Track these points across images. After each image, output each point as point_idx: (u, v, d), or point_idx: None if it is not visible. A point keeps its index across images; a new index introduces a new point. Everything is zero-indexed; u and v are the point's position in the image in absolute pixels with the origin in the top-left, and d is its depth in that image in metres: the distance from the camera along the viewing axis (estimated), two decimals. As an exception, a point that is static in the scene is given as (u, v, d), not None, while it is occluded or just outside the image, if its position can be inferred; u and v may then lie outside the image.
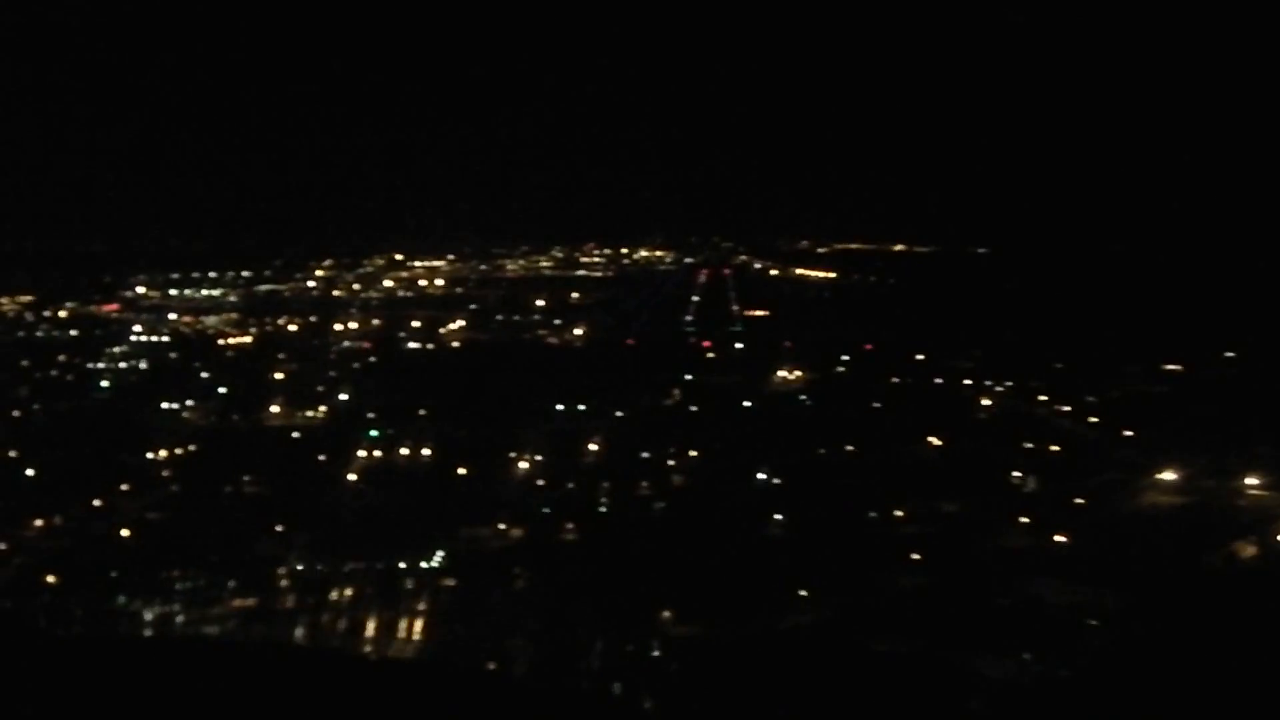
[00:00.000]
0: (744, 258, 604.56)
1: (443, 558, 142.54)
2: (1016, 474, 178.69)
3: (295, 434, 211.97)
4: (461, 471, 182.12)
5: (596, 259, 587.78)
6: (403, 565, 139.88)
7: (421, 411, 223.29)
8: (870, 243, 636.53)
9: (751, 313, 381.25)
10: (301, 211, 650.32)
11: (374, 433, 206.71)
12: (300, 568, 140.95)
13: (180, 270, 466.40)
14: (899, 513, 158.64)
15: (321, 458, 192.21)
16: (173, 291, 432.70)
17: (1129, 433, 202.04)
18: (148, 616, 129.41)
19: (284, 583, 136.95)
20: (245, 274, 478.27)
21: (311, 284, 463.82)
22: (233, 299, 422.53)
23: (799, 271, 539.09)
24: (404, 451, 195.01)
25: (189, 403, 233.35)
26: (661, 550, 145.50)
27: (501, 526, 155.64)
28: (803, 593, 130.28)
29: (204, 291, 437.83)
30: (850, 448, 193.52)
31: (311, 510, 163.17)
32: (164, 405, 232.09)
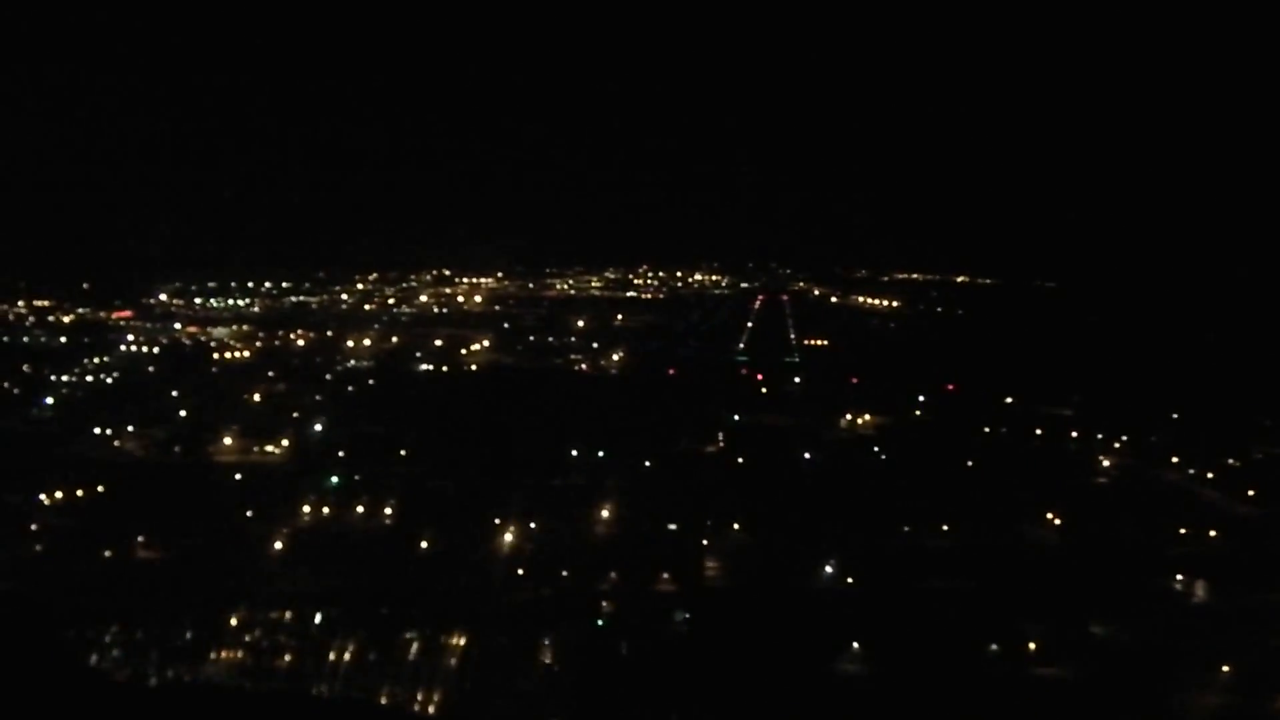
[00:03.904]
0: (802, 284, 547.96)
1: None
2: (1179, 576, 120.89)
3: (238, 475, 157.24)
4: (423, 545, 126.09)
5: (649, 281, 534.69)
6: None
7: (403, 452, 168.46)
8: (932, 273, 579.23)
9: (811, 342, 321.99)
10: (361, 224, 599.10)
11: (334, 480, 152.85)
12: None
13: (218, 278, 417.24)
14: (1032, 644, 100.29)
15: (250, 513, 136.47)
16: (198, 300, 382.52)
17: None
18: None
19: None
20: (284, 284, 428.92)
21: (346, 297, 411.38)
22: (256, 309, 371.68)
23: (860, 300, 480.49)
24: (360, 510, 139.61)
25: (131, 428, 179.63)
26: (676, 706, 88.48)
27: (444, 642, 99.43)
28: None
29: (230, 300, 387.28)
30: (946, 527, 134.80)
31: (198, 598, 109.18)
32: (100, 431, 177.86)
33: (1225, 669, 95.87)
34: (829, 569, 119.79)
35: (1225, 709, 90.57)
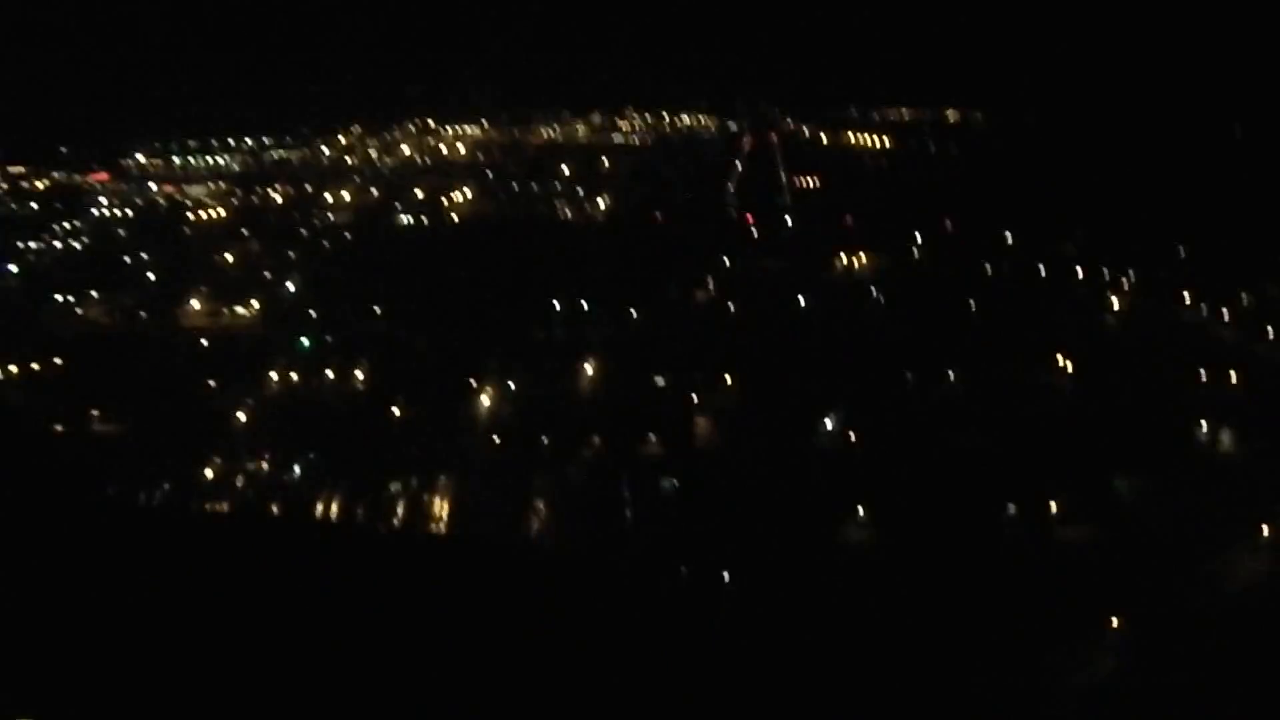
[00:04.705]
0: (791, 123, 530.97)
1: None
2: (1203, 425, 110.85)
3: (204, 341, 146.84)
4: (395, 412, 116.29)
5: (635, 124, 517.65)
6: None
7: (378, 309, 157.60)
8: (923, 109, 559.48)
9: (802, 182, 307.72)
10: (343, 76, 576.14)
11: (305, 342, 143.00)
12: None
13: (198, 136, 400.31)
14: (1052, 502, 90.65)
15: (213, 383, 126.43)
16: (176, 159, 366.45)
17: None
18: None
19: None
20: (265, 139, 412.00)
21: (327, 150, 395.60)
22: (235, 167, 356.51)
23: (852, 138, 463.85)
24: (330, 375, 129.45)
25: (95, 294, 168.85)
26: (663, 576, 79.43)
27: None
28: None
29: (209, 159, 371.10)
30: (951, 373, 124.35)
31: (159, 472, 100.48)
32: (63, 299, 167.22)
33: (1264, 530, 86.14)
34: (830, 425, 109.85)
35: (1268, 575, 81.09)
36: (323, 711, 67.35)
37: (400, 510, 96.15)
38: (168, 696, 67.92)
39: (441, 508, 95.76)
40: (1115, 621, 72.57)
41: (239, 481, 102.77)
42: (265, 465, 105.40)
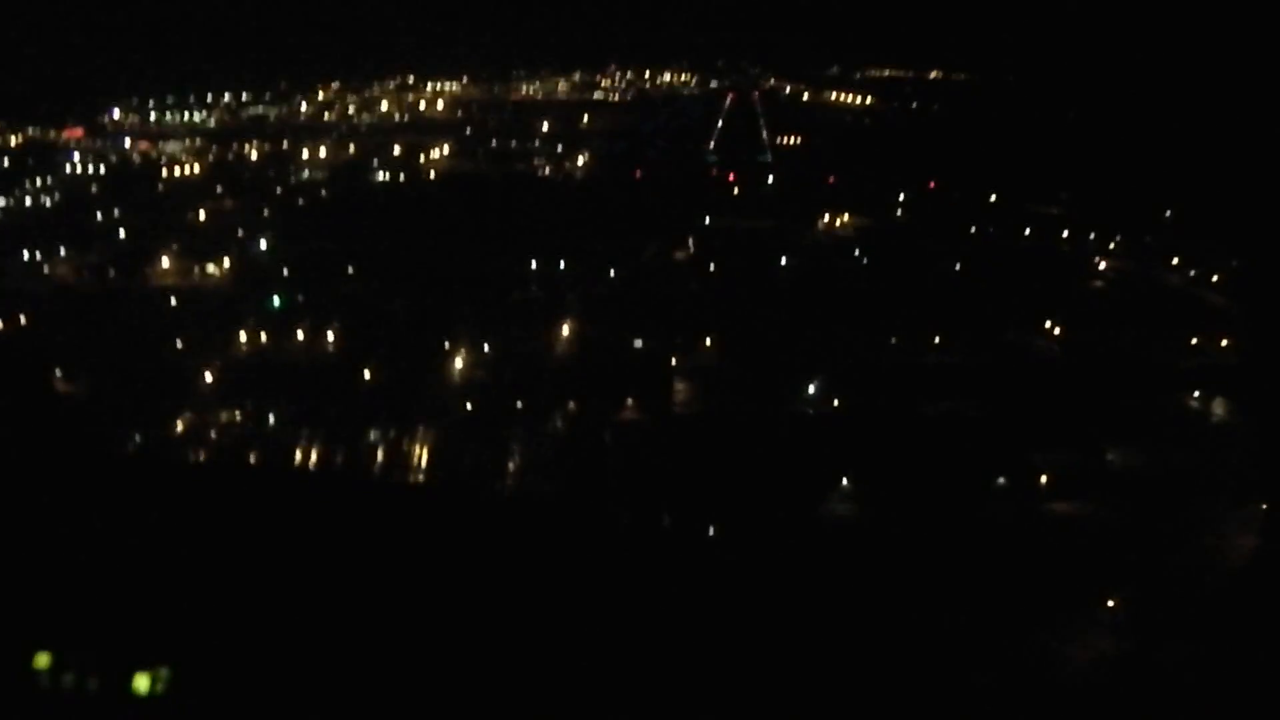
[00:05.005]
0: (773, 82, 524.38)
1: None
2: (1195, 394, 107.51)
3: (173, 300, 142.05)
4: (366, 376, 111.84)
5: (616, 82, 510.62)
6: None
7: (351, 269, 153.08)
8: (904, 69, 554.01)
9: (784, 141, 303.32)
10: (322, 32, 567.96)
11: (276, 301, 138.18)
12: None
13: (177, 93, 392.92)
14: (1044, 476, 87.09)
15: (180, 344, 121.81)
16: (153, 115, 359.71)
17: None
18: None
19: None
20: (243, 96, 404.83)
21: (306, 107, 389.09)
22: (212, 123, 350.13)
23: (834, 97, 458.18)
24: (300, 336, 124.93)
25: (64, 253, 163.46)
26: (639, 559, 75.56)
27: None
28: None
29: (187, 115, 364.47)
30: (937, 338, 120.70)
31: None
32: (30, 257, 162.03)
33: (1263, 506, 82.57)
34: (812, 390, 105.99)
35: (1263, 552, 77.60)
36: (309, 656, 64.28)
37: (379, 461, 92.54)
38: (161, 637, 64.89)
39: (420, 458, 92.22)
40: (1110, 602, 68.95)
41: (210, 435, 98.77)
42: (238, 416, 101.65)
